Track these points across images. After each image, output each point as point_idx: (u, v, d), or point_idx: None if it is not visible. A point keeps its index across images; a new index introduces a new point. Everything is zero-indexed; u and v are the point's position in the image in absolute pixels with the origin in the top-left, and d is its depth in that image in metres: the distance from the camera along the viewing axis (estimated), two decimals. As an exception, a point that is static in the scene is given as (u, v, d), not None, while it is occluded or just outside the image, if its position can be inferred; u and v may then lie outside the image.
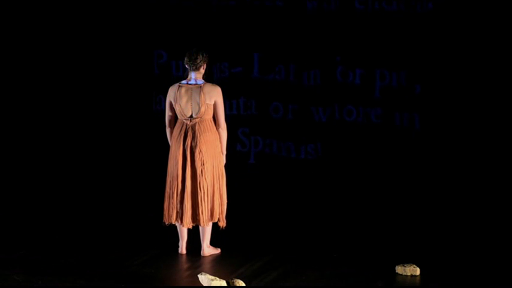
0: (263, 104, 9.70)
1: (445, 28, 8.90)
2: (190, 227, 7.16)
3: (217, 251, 7.33)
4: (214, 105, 7.08)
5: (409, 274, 6.69)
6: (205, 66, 7.16)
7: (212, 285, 6.28)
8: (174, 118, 7.20)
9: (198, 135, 7.06)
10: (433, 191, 9.08)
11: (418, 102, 9.07)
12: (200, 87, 7.06)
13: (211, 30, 9.74)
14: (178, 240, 7.30)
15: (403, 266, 6.73)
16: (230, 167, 7.33)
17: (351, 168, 9.38)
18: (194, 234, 7.34)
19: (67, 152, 10.31)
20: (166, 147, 7.28)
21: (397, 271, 6.73)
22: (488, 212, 8.68)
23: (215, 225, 7.25)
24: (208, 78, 7.23)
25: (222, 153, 7.21)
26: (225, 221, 7.23)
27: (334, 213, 8.92)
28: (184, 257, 7.19)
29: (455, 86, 8.90)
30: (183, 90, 7.08)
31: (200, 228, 7.21)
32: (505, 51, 8.70)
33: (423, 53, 9.00)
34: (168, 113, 7.20)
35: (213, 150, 7.10)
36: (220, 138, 7.17)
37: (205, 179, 7.07)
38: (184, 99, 7.06)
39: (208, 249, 7.25)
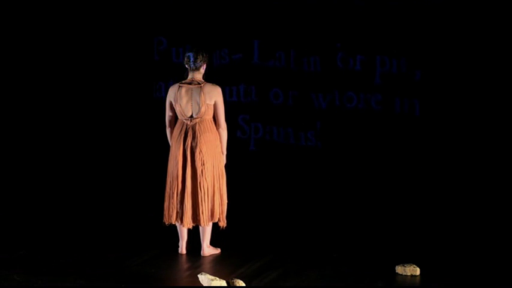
0: (263, 90, 9.70)
1: (445, 15, 8.91)
2: (191, 227, 7.16)
3: (217, 251, 7.33)
4: (215, 105, 7.08)
5: (409, 274, 6.69)
6: (205, 67, 7.16)
7: (212, 285, 6.28)
8: (174, 118, 7.20)
9: (198, 135, 7.06)
10: (432, 190, 9.09)
11: (418, 89, 9.08)
12: (200, 87, 7.06)
13: (211, 17, 9.74)
14: (178, 240, 7.31)
15: (403, 266, 6.73)
16: (230, 154, 7.32)
17: (351, 155, 9.38)
18: (194, 234, 7.34)
19: (67, 151, 10.31)
20: (166, 147, 7.27)
21: (397, 271, 6.73)
22: (488, 211, 8.68)
23: (215, 225, 7.25)
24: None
25: (222, 153, 7.21)
26: (225, 221, 7.23)
27: (334, 213, 8.92)
28: (184, 257, 7.19)
29: (456, 72, 8.92)
30: (183, 90, 7.08)
31: (200, 228, 7.21)
32: (504, 37, 8.70)
33: (423, 39, 9.02)
34: (168, 113, 7.20)
35: (213, 150, 7.10)
36: (220, 138, 7.17)
37: (206, 179, 7.07)
38: (184, 100, 7.06)
39: (208, 249, 7.25)
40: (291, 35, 9.53)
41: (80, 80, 10.27)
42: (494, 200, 8.82)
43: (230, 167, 7.31)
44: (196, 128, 7.07)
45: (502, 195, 8.80)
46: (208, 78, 7.14)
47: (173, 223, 7.19)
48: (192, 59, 7.08)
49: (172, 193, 7.12)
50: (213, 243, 7.33)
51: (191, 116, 7.07)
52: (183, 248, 7.29)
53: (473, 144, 8.89)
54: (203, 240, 7.23)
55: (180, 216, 7.11)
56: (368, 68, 9.26)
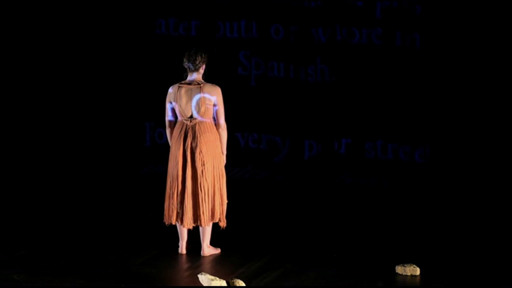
0: (264, 26, 9.70)
1: None
2: (191, 227, 7.16)
3: (217, 251, 7.33)
4: (214, 106, 7.08)
5: (409, 274, 6.69)
6: (204, 67, 7.16)
7: (212, 285, 6.28)
8: (174, 118, 7.20)
9: (198, 135, 7.06)
10: (432, 190, 9.09)
11: (419, 23, 9.11)
12: (200, 87, 7.06)
13: None
14: (178, 240, 7.30)
15: (403, 266, 6.73)
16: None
17: (353, 89, 9.39)
18: (194, 234, 7.34)
19: (67, 151, 10.30)
20: (166, 148, 7.28)
21: (397, 271, 6.73)
22: (488, 211, 8.68)
23: (215, 225, 7.25)
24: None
25: (222, 153, 7.21)
26: (225, 221, 7.23)
27: (334, 213, 8.92)
28: (184, 257, 7.19)
29: (456, 5, 8.95)
30: (183, 90, 7.08)
31: (200, 228, 7.21)
32: None
33: None
34: (168, 113, 7.20)
35: (214, 150, 7.10)
36: (220, 138, 7.17)
37: (206, 179, 7.07)
38: (184, 100, 7.06)
39: (208, 249, 7.25)
40: None
41: (80, 80, 10.26)
42: (494, 200, 8.82)
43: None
44: (196, 128, 7.07)
45: (502, 195, 8.80)
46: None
47: (173, 223, 7.19)
48: (191, 60, 7.08)
49: (173, 193, 7.12)
50: (213, 243, 7.32)
51: (191, 117, 7.07)
52: (183, 248, 7.29)
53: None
54: (203, 240, 7.23)
55: (181, 217, 7.11)
56: (369, 2, 9.29)
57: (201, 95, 7.03)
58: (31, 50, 10.31)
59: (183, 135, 7.09)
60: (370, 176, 9.40)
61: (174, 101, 7.09)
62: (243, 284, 6.35)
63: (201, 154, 7.05)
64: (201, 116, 7.05)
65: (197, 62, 7.09)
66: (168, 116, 7.21)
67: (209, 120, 7.10)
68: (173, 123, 7.21)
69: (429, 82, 9.19)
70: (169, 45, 9.88)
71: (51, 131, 10.34)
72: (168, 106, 7.18)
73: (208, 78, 7.14)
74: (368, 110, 9.39)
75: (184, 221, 7.09)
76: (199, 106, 7.03)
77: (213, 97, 7.06)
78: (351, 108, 9.44)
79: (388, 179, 9.33)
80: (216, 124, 7.14)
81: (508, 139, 8.94)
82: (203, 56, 7.12)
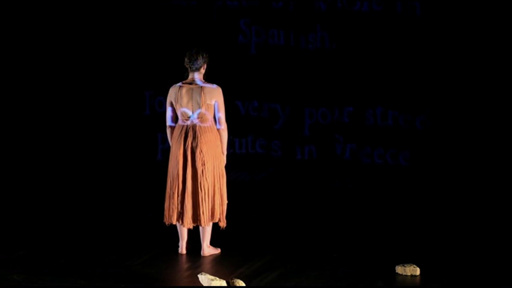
0: None
1: None
2: (191, 227, 7.16)
3: (217, 251, 7.33)
4: (215, 106, 7.08)
5: (409, 274, 6.69)
6: (205, 67, 7.16)
7: (212, 285, 6.28)
8: (175, 118, 7.20)
9: (199, 135, 7.06)
10: (432, 190, 9.09)
11: None
12: (201, 87, 7.06)
13: None
14: (178, 240, 7.30)
15: (403, 266, 6.72)
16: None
17: (354, 56, 9.43)
18: (194, 234, 7.34)
19: (67, 151, 10.30)
20: (166, 148, 7.27)
21: (397, 271, 6.73)
22: (488, 211, 8.68)
23: (215, 225, 7.25)
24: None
25: (223, 153, 7.21)
26: (225, 221, 7.23)
27: (334, 213, 8.92)
28: (184, 257, 7.19)
29: None
30: (183, 90, 7.08)
31: (200, 228, 7.21)
32: None
33: None
34: (168, 113, 7.20)
35: (214, 150, 7.11)
36: (220, 138, 7.17)
37: (206, 179, 7.07)
38: (184, 100, 7.06)
39: (208, 249, 7.25)
40: None
41: (80, 79, 10.26)
42: (494, 199, 8.82)
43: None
44: (197, 128, 7.07)
45: (502, 195, 8.80)
46: None
47: (173, 223, 7.19)
48: (192, 60, 7.09)
49: (173, 193, 7.12)
50: (213, 243, 7.32)
51: (191, 116, 7.07)
52: (183, 248, 7.29)
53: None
54: (203, 240, 7.23)
55: (181, 217, 7.11)
56: None
57: (202, 95, 7.03)
58: (31, 50, 10.30)
59: (183, 135, 7.09)
60: (372, 145, 9.43)
61: (175, 101, 7.09)
62: (243, 284, 6.35)
63: (201, 154, 7.05)
64: (202, 116, 7.05)
65: (198, 62, 7.09)
66: (169, 116, 7.21)
67: (209, 120, 7.10)
68: (173, 123, 7.21)
69: (429, 49, 9.24)
70: (170, 13, 9.87)
71: (51, 131, 10.33)
72: (168, 106, 7.18)
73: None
74: (368, 77, 9.44)
75: (184, 221, 7.09)
76: (199, 106, 7.03)
77: (214, 97, 7.06)
78: (352, 76, 9.48)
79: (388, 147, 9.38)
80: (217, 124, 7.14)
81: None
82: (204, 56, 7.12)
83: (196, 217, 7.11)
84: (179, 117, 7.13)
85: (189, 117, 7.07)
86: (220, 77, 8.61)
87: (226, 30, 9.83)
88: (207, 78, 7.17)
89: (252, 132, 9.78)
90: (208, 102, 7.04)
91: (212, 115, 7.11)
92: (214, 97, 7.07)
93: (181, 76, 6.97)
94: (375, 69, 9.47)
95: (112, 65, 10.16)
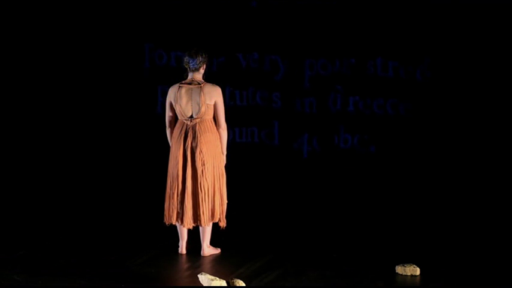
0: None
1: None
2: (191, 227, 7.16)
3: (217, 251, 7.33)
4: (215, 106, 7.09)
5: (409, 274, 6.69)
6: (205, 67, 7.16)
7: (212, 285, 6.28)
8: (174, 118, 7.20)
9: (199, 135, 7.06)
10: (432, 190, 9.09)
11: None
12: (200, 87, 7.06)
13: None
14: (178, 240, 7.31)
15: (403, 266, 6.73)
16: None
17: (354, 8, 9.47)
18: (194, 234, 7.34)
19: (67, 151, 10.29)
20: (166, 148, 7.28)
21: (397, 271, 6.73)
22: (488, 211, 8.68)
23: (215, 225, 7.25)
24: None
25: (223, 153, 7.21)
26: (225, 221, 7.23)
27: (334, 213, 8.92)
28: (184, 257, 7.20)
29: None
30: (183, 90, 7.08)
31: (200, 228, 7.21)
32: None
33: None
34: (168, 113, 7.20)
35: (214, 150, 7.11)
36: (220, 138, 7.17)
37: (206, 179, 7.07)
38: (184, 100, 7.06)
39: (208, 249, 7.25)
40: None
41: (80, 79, 10.25)
42: (494, 199, 8.82)
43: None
44: (197, 128, 7.08)
45: (502, 195, 8.80)
46: None
47: (173, 223, 7.19)
48: (191, 60, 7.09)
49: (173, 193, 7.12)
50: (213, 243, 7.33)
51: (191, 116, 7.07)
52: (183, 248, 7.29)
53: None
54: (203, 240, 7.23)
55: (181, 217, 7.11)
56: None
57: (202, 95, 7.03)
58: (30, 50, 10.30)
59: (183, 135, 7.10)
60: (374, 96, 9.46)
61: (174, 101, 7.09)
62: (243, 284, 6.35)
63: (201, 154, 7.05)
64: (201, 116, 7.05)
65: (198, 62, 7.09)
66: (168, 115, 7.21)
67: (209, 120, 7.11)
68: (173, 123, 7.21)
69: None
70: None
71: (51, 131, 10.31)
72: (168, 106, 7.18)
73: None
74: (368, 28, 9.44)
75: (184, 221, 7.09)
76: (199, 106, 7.03)
77: (214, 97, 7.07)
78: (352, 27, 9.48)
79: (389, 97, 9.40)
80: (216, 124, 7.14)
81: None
82: (204, 55, 7.13)
83: (196, 217, 7.11)
84: (179, 118, 7.13)
85: (188, 118, 7.07)
86: (221, 29, 8.61)
87: None
88: (207, 78, 7.17)
89: (253, 84, 9.80)
90: (207, 102, 7.04)
91: (212, 115, 7.11)
92: (214, 97, 7.07)
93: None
94: (376, 20, 9.41)
95: (111, 18, 10.09)
